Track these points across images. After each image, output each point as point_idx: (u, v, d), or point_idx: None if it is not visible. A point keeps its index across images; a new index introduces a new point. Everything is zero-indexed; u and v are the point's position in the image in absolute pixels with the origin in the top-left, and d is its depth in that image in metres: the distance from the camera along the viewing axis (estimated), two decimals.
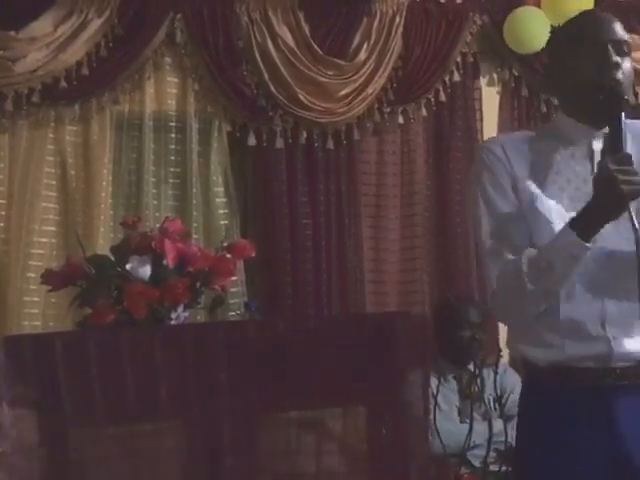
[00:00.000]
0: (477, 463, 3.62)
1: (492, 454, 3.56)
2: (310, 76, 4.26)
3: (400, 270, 4.45)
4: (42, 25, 3.98)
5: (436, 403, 3.61)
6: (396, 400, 2.47)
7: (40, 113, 4.02)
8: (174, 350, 2.46)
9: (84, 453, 2.45)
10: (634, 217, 1.86)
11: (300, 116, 4.26)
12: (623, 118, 1.92)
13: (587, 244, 1.91)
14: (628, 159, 1.88)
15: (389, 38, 4.38)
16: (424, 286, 4.44)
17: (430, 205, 4.51)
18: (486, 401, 3.71)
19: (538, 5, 4.42)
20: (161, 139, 4.18)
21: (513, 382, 3.67)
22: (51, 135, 4.05)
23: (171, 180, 4.20)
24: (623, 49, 2.02)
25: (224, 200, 4.24)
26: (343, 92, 4.31)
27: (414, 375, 2.48)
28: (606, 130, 2.01)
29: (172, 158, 4.20)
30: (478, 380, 3.75)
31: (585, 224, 1.91)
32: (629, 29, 4.49)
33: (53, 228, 4.02)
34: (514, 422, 2.29)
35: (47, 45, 3.97)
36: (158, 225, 3.16)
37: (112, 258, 2.98)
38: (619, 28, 2.05)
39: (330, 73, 4.30)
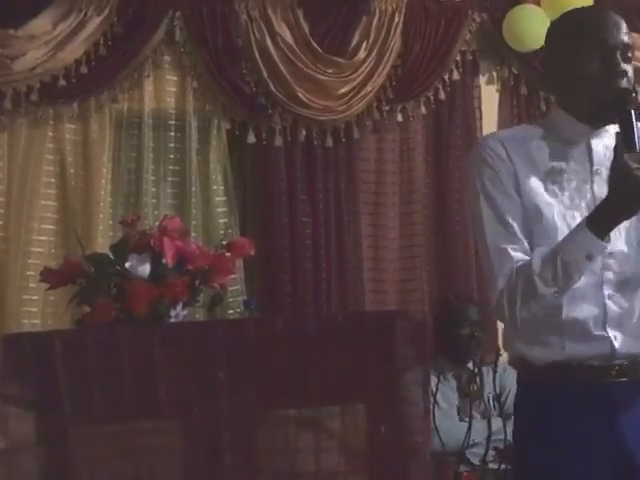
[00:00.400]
0: (476, 461, 3.63)
1: (491, 452, 3.57)
2: (309, 74, 4.26)
3: (399, 268, 4.45)
4: (41, 23, 3.97)
5: (435, 401, 3.61)
6: (395, 398, 2.47)
7: (39, 111, 4.02)
8: (173, 348, 2.46)
9: (83, 451, 2.44)
10: None
11: (299, 114, 4.26)
12: (634, 115, 1.91)
13: (605, 243, 1.91)
14: None
15: (388, 36, 4.38)
16: (423, 284, 4.44)
17: (429, 203, 4.51)
18: (485, 399, 3.72)
19: (537, 3, 4.42)
20: (160, 137, 4.18)
21: (512, 380, 3.63)
22: (50, 133, 4.05)
23: (170, 178, 4.20)
24: (628, 55, 2.01)
25: (223, 198, 4.24)
26: (342, 90, 4.31)
27: (413, 373, 2.48)
28: (606, 129, 2.03)
29: (171, 156, 4.20)
30: (477, 378, 3.75)
31: (602, 223, 1.90)
32: (631, 28, 4.52)
33: (52, 226, 4.02)
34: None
35: (46, 43, 3.97)
36: (157, 223, 3.16)
37: (111, 256, 2.98)
38: (626, 31, 2.05)
39: (329, 71, 4.30)
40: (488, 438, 3.54)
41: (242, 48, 4.23)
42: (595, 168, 2.04)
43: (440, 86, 4.48)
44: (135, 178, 4.15)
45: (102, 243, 3.83)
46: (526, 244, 2.00)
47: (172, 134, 4.20)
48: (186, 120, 4.20)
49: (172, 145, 4.21)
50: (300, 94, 4.24)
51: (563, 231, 1.98)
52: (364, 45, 4.35)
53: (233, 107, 4.24)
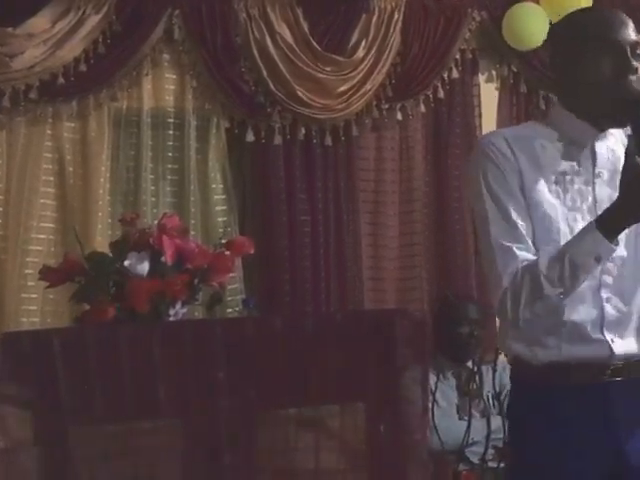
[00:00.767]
0: (475, 460, 3.63)
1: (490, 451, 3.57)
2: (308, 73, 4.26)
3: (399, 267, 4.45)
4: (40, 21, 3.96)
5: (435, 400, 3.61)
6: (395, 397, 2.47)
7: (38, 110, 4.00)
8: (172, 347, 2.46)
9: (82, 451, 2.44)
10: None
11: (298, 112, 4.25)
12: None
13: (614, 245, 1.90)
14: None
15: (387, 35, 4.37)
16: (423, 283, 4.43)
17: (429, 201, 4.50)
18: (485, 398, 3.72)
19: (537, 1, 4.41)
20: (159, 136, 4.17)
21: None
22: (49, 132, 4.04)
23: (169, 177, 4.19)
24: (636, 52, 2.00)
25: (222, 197, 4.23)
26: (341, 88, 4.30)
27: (412, 372, 2.48)
28: (611, 132, 2.03)
29: (170, 155, 4.19)
30: (477, 377, 3.75)
31: (612, 225, 1.90)
32: (638, 28, 4.52)
33: (51, 225, 4.01)
34: None
35: (45, 41, 3.96)
36: (156, 222, 3.16)
37: (110, 255, 2.98)
38: (633, 28, 2.04)
39: (328, 69, 4.29)
40: (487, 437, 3.55)
41: (241, 46, 4.22)
42: (598, 170, 2.04)
43: (439, 84, 4.48)
44: (134, 176, 4.14)
45: (101, 241, 3.82)
46: (531, 243, 1.99)
47: (171, 132, 4.19)
48: (185, 118, 4.19)
49: (171, 143, 4.20)
50: (299, 93, 4.24)
51: (565, 232, 1.98)
52: (363, 43, 4.34)
53: (232, 105, 4.24)
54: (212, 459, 2.45)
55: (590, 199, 2.02)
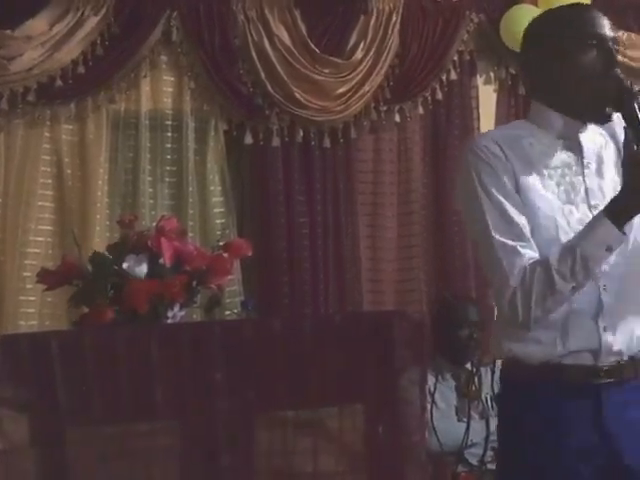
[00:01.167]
0: (474, 462, 3.63)
1: (489, 453, 3.57)
2: (307, 74, 4.26)
3: (397, 268, 4.44)
4: (38, 24, 3.96)
5: (433, 401, 3.61)
6: (393, 399, 2.46)
7: (36, 112, 4.01)
8: (170, 349, 2.45)
9: (80, 452, 2.44)
10: None
11: (297, 114, 4.25)
12: (637, 107, 1.92)
13: (624, 234, 1.92)
14: None
15: (386, 36, 4.37)
16: (421, 284, 4.43)
17: (427, 203, 4.50)
18: (483, 400, 3.71)
19: (535, 3, 4.42)
20: (157, 138, 4.17)
21: None
22: (47, 134, 4.04)
23: (167, 179, 4.19)
24: (616, 47, 2.03)
25: (221, 199, 4.23)
26: (340, 90, 4.30)
27: (411, 374, 2.48)
28: (591, 125, 2.05)
29: (168, 157, 4.19)
30: (476, 379, 3.75)
31: (620, 214, 1.91)
32: (625, 27, 4.53)
33: (49, 227, 4.01)
34: None
35: (43, 44, 3.96)
36: (154, 224, 3.15)
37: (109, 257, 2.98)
38: (610, 25, 2.06)
39: (327, 71, 4.30)
40: (486, 438, 3.54)
41: (239, 48, 4.22)
42: (586, 162, 2.07)
43: (438, 86, 4.48)
44: (132, 179, 4.14)
45: (99, 244, 3.82)
46: (532, 241, 1.99)
47: (169, 135, 4.19)
48: (183, 120, 4.19)
49: (169, 146, 4.20)
50: (297, 94, 4.24)
51: (563, 226, 1.99)
52: (361, 45, 4.34)
53: (230, 107, 4.24)
54: (210, 461, 2.45)
55: (582, 190, 2.04)
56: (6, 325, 3.86)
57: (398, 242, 4.46)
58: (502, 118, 4.59)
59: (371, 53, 4.35)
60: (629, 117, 1.93)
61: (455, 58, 4.50)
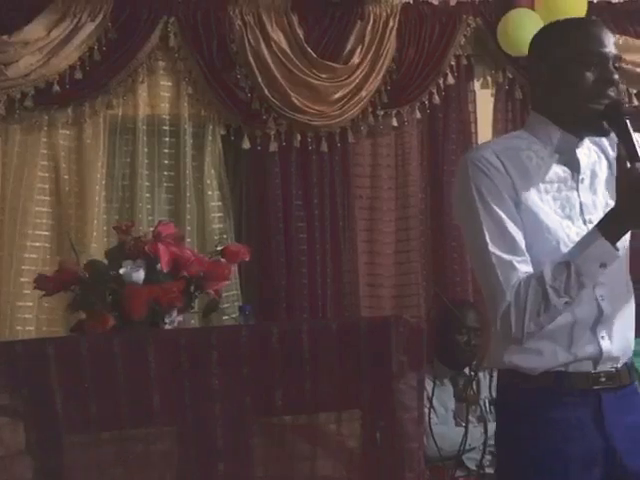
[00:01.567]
0: (473, 466, 3.63)
1: (487, 457, 3.57)
2: (304, 79, 4.26)
3: (395, 273, 4.44)
4: (35, 29, 3.97)
5: (432, 406, 3.61)
6: (391, 404, 2.46)
7: (33, 117, 4.01)
8: (168, 355, 2.45)
9: (77, 459, 2.43)
10: None
11: (294, 119, 4.25)
12: (630, 125, 1.93)
13: (618, 251, 1.93)
14: None
15: (383, 41, 4.37)
16: (419, 289, 4.43)
17: (425, 208, 4.50)
18: (482, 404, 3.71)
19: (532, 7, 4.42)
20: (155, 143, 4.18)
21: None
22: (44, 139, 4.04)
23: (165, 184, 4.19)
24: (616, 65, 2.03)
25: (218, 204, 4.23)
26: (337, 95, 4.30)
27: (409, 379, 2.47)
28: (590, 139, 2.07)
29: (166, 162, 4.20)
30: (474, 383, 3.75)
31: (614, 230, 1.92)
32: (621, 31, 4.53)
33: (46, 232, 4.01)
34: None
35: (40, 49, 3.97)
36: (152, 229, 3.15)
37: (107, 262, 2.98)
38: (614, 42, 2.07)
39: (324, 76, 4.30)
40: (484, 443, 3.54)
41: (236, 53, 4.23)
42: (581, 177, 2.08)
43: (435, 91, 4.48)
44: (129, 184, 4.14)
45: (96, 249, 3.82)
46: (528, 255, 2.00)
47: (167, 140, 4.20)
48: (181, 126, 4.19)
49: (167, 151, 4.20)
50: (295, 99, 4.24)
51: (564, 240, 2.00)
52: (359, 50, 4.35)
53: (228, 112, 4.24)
54: (207, 467, 2.44)
55: (577, 205, 2.06)
56: (3, 330, 3.86)
57: (396, 247, 4.45)
58: (499, 122, 4.60)
59: (368, 58, 4.35)
60: (621, 134, 1.94)
61: (452, 62, 4.50)
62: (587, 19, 2.17)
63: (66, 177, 4.06)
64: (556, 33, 2.11)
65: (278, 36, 4.26)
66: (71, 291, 2.96)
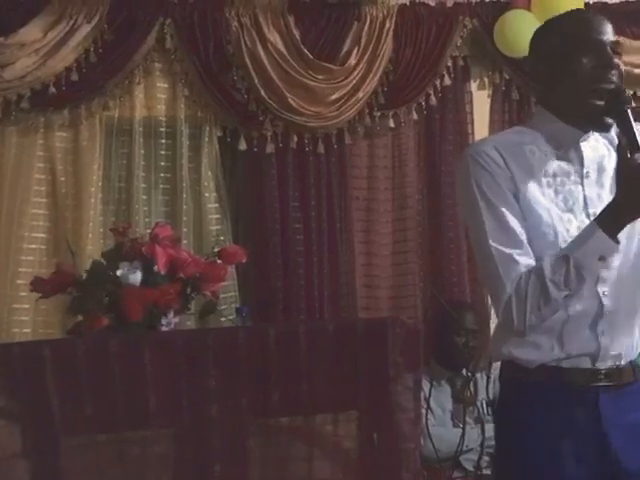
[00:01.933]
0: (470, 467, 3.63)
1: (485, 458, 3.57)
2: (300, 81, 4.26)
3: (392, 274, 4.44)
4: (31, 31, 3.97)
5: (429, 407, 3.61)
6: (388, 405, 2.46)
7: (29, 119, 4.01)
8: (164, 357, 2.44)
9: (74, 461, 2.43)
10: None
11: (291, 120, 4.25)
12: (630, 114, 1.93)
13: (617, 243, 1.92)
14: None
15: (379, 42, 4.37)
16: (416, 290, 4.43)
17: (422, 209, 4.50)
18: (479, 405, 3.71)
19: (528, 8, 4.42)
20: (151, 145, 4.18)
21: None
22: (40, 141, 4.04)
23: (161, 186, 4.19)
24: (617, 50, 2.03)
25: (215, 205, 4.23)
26: (334, 96, 4.30)
27: (406, 380, 2.47)
28: (592, 133, 2.05)
29: (162, 164, 4.20)
30: (471, 384, 3.75)
31: (613, 223, 1.91)
32: (618, 32, 4.52)
33: (43, 235, 4.01)
34: None
35: (36, 51, 3.97)
36: (149, 231, 3.15)
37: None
38: (612, 29, 2.07)
39: (320, 77, 4.30)
40: (482, 444, 3.55)
41: (233, 55, 4.23)
42: (585, 171, 2.06)
43: (432, 92, 4.48)
44: (126, 185, 4.14)
45: (93, 251, 3.81)
46: (529, 248, 2.00)
47: (163, 141, 4.20)
48: (177, 127, 4.19)
49: (163, 152, 4.20)
50: (291, 100, 4.24)
51: (563, 234, 2.00)
52: (355, 51, 4.34)
53: (224, 114, 4.24)
54: (204, 468, 2.44)
55: (581, 199, 2.04)
56: (0, 333, 3.85)
57: (393, 248, 4.45)
58: (496, 123, 4.59)
59: (365, 59, 4.35)
60: (622, 123, 1.93)
61: (449, 64, 4.51)
62: (582, 9, 2.16)
63: (62, 179, 4.06)
64: (553, 26, 2.11)
65: (274, 37, 4.26)
66: (68, 293, 2.96)
